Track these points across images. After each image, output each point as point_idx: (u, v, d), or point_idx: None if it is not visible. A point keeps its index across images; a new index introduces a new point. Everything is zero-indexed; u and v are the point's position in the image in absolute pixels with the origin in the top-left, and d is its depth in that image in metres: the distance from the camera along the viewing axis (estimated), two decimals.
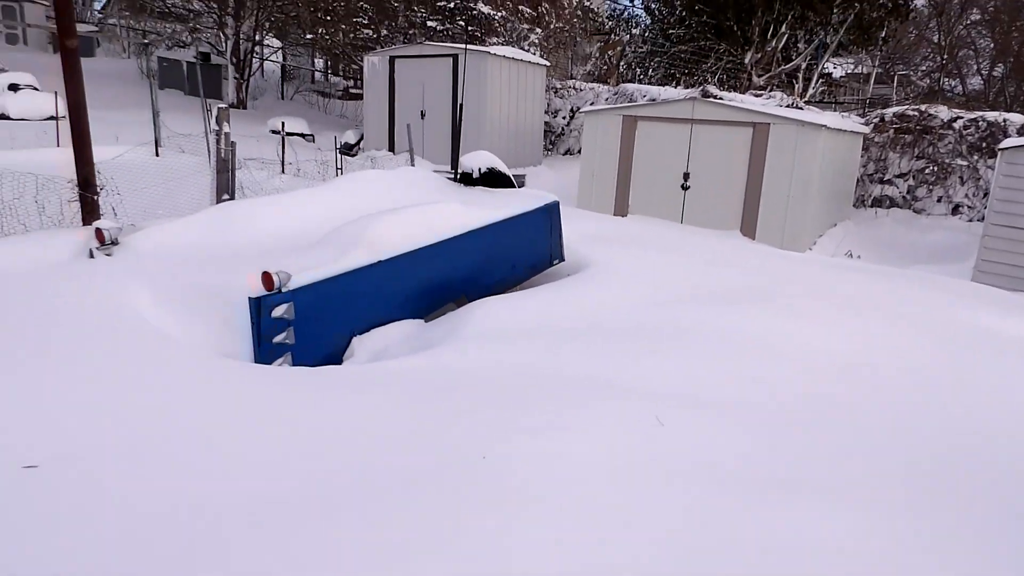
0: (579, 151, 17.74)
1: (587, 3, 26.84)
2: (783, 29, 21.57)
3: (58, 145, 12.22)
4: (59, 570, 2.07)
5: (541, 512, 2.50)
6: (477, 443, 3.06)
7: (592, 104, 18.37)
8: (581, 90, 19.74)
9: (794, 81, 22.13)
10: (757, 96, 16.89)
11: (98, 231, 5.63)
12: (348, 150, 17.57)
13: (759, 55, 21.94)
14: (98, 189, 6.42)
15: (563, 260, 7.18)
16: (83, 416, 3.18)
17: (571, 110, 19.49)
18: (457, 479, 2.72)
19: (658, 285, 6.35)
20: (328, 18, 22.12)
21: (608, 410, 3.54)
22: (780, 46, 21.89)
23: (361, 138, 18.47)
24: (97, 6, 40.72)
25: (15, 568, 2.07)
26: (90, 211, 6.28)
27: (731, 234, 11.34)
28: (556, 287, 6.13)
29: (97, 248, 5.61)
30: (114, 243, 5.66)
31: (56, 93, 15.01)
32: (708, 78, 21.77)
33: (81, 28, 29.34)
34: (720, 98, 14.85)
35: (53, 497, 2.47)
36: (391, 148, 17.01)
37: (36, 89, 18.25)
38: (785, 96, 16.71)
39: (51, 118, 15.97)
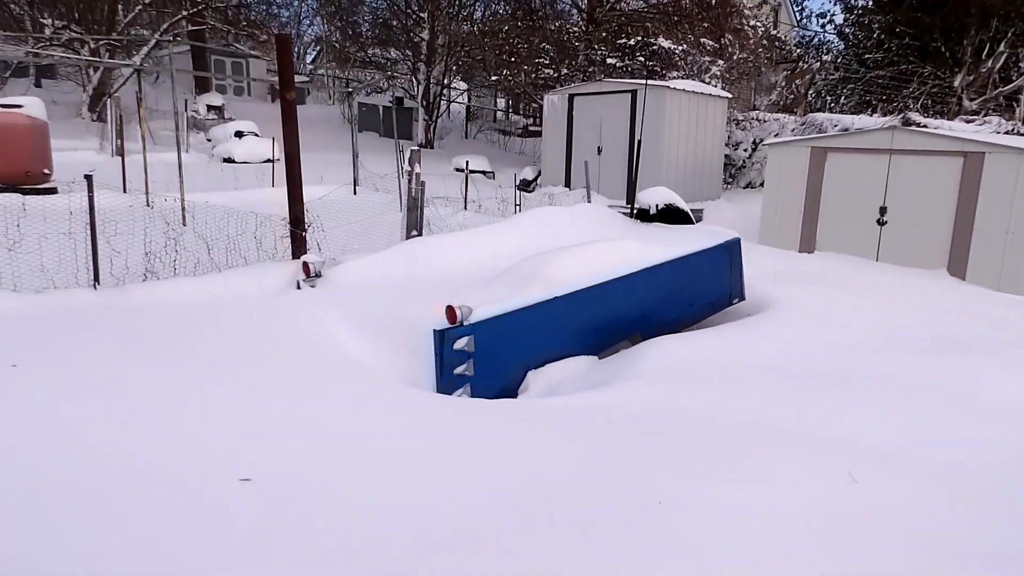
0: (761, 184, 17.01)
1: (773, 32, 25.91)
2: (1001, 48, 19.52)
3: (273, 185, 13.67)
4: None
5: (722, 566, 2.39)
6: (652, 487, 2.99)
7: (777, 135, 17.62)
8: (765, 121, 19.00)
9: (1015, 104, 19.87)
10: (968, 122, 15.34)
11: (305, 264, 6.22)
12: (526, 186, 18.09)
13: (971, 77, 19.98)
14: (306, 226, 7.10)
15: (744, 299, 6.90)
16: (290, 434, 3.49)
17: (753, 142, 18.80)
18: (633, 524, 2.67)
19: (851, 328, 5.91)
20: (512, 60, 23.09)
21: (794, 461, 3.33)
22: (998, 66, 19.81)
23: (539, 174, 18.95)
24: (308, 59, 45.41)
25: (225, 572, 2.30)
26: (299, 246, 6.96)
27: (936, 274, 10.30)
28: (736, 327, 5.89)
29: (303, 280, 6.18)
30: (318, 275, 6.21)
31: (273, 139, 16.83)
32: (909, 104, 20.11)
33: (295, 79, 32.64)
34: (924, 126, 13.67)
35: (261, 510, 2.72)
36: (567, 184, 17.30)
37: (257, 135, 20.62)
38: (1003, 121, 15.04)
39: (268, 161, 17.93)
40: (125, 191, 11.17)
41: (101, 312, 5.26)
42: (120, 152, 13.72)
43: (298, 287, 6.19)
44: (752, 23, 22.65)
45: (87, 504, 2.64)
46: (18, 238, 6.02)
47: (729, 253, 6.68)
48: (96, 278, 5.84)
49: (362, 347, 5.11)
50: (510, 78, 23.93)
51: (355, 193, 13.92)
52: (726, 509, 2.82)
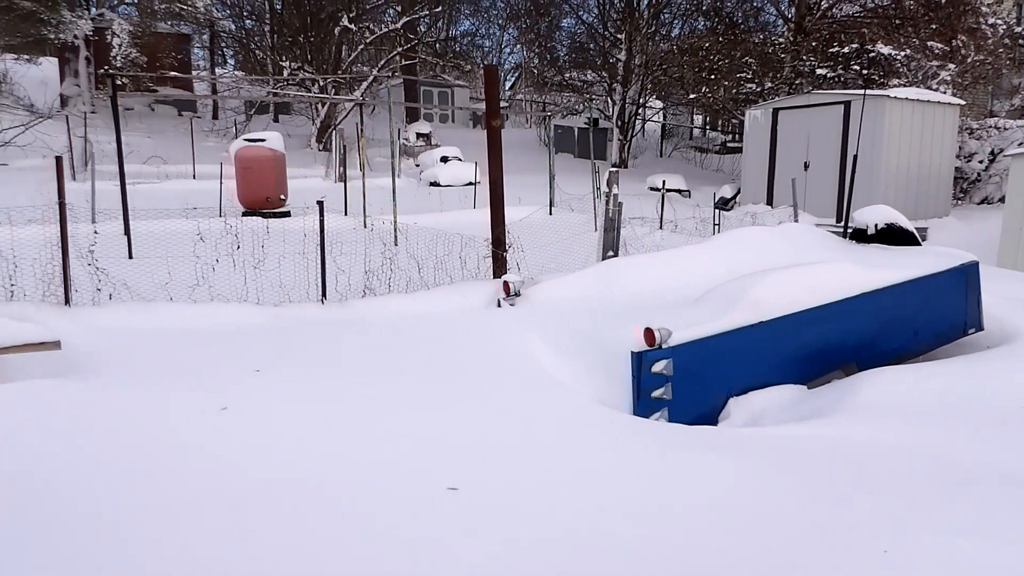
0: (1001, 200, 15.11)
1: (1018, 29, 22.97)
2: None
3: (474, 207, 14.34)
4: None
5: None
6: (873, 534, 2.74)
7: (1021, 144, 15.58)
8: (1006, 129, 16.88)
9: None
10: None
11: (505, 283, 6.45)
12: (724, 205, 17.48)
13: None
14: (507, 247, 7.37)
15: (981, 329, 6.14)
16: (493, 447, 3.62)
17: (991, 152, 16.76)
18: (853, 573, 2.45)
19: None
20: (712, 76, 22.51)
21: None
22: None
23: (738, 192, 18.25)
24: (507, 85, 47.36)
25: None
26: (500, 265, 7.23)
27: None
28: (973, 360, 5.26)
29: (504, 298, 6.41)
30: (517, 294, 6.41)
31: (476, 163, 17.67)
32: None
33: None
34: None
35: (462, 517, 2.83)
36: (769, 202, 16.47)
37: (460, 160, 21.78)
38: None
39: (470, 184, 18.86)
40: (346, 214, 12.28)
41: (327, 325, 5.80)
42: (342, 178, 15.12)
43: (499, 305, 6.42)
44: (991, 20, 20.25)
45: (325, 505, 2.90)
46: (262, 257, 6.83)
47: (965, 277, 5.99)
48: (323, 293, 6.47)
49: (559, 365, 5.20)
50: (709, 95, 23.33)
51: (551, 214, 14.23)
52: (964, 566, 2.50)
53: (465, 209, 13.86)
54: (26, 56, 23.64)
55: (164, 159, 18.52)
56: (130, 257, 8.08)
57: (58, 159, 6.12)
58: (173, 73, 25.52)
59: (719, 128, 32.99)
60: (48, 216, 6.33)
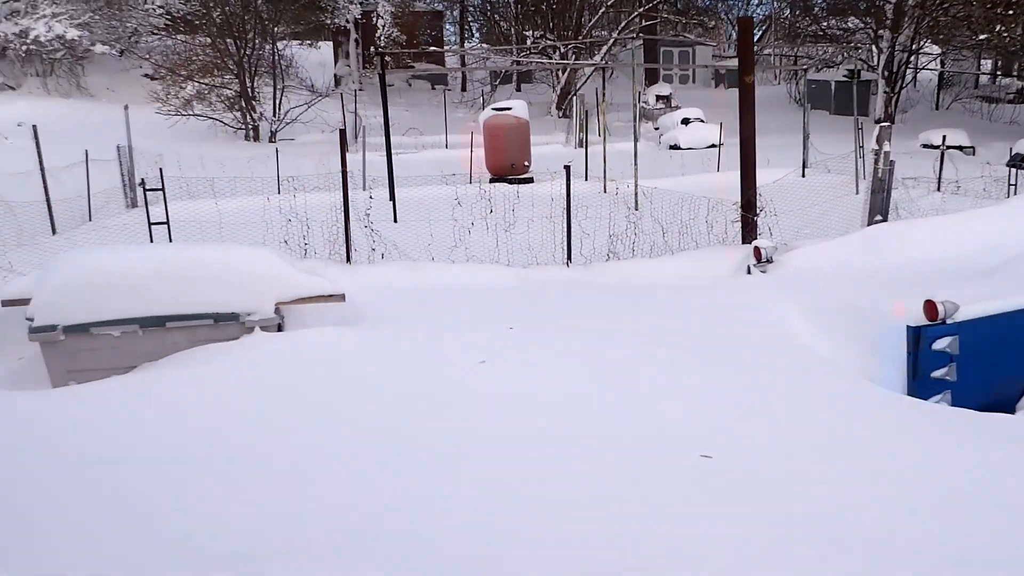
0: None
1: None
2: None
3: (718, 170, 13.71)
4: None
5: None
6: None
7: None
8: None
9: None
10: None
11: (756, 249, 6.12)
12: (1021, 162, 15.02)
13: None
14: (757, 210, 6.97)
15: None
16: (747, 418, 3.47)
17: None
18: None
19: None
20: (1009, 12, 19.21)
21: None
22: None
23: None
24: (753, 39, 44.41)
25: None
26: (750, 230, 6.87)
27: None
28: None
29: (754, 265, 6.09)
30: (769, 261, 6.06)
31: (720, 124, 16.87)
32: None
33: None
34: None
35: (717, 485, 2.74)
36: None
37: (702, 121, 20.92)
38: None
39: (712, 146, 18.07)
40: (587, 179, 12.39)
41: (573, 287, 5.92)
42: (582, 144, 15.27)
43: (748, 272, 6.13)
44: None
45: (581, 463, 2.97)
46: (512, 221, 7.14)
47: None
48: (569, 256, 6.61)
49: (818, 337, 4.87)
50: (1004, 34, 20.00)
51: (803, 176, 13.21)
52: None
53: (708, 172, 13.33)
54: (308, 41, 26.75)
55: (420, 130, 19.98)
56: (395, 221, 8.86)
57: (342, 132, 6.86)
58: (432, 48, 27.37)
59: (1014, 73, 28.28)
60: (329, 184, 7.15)
